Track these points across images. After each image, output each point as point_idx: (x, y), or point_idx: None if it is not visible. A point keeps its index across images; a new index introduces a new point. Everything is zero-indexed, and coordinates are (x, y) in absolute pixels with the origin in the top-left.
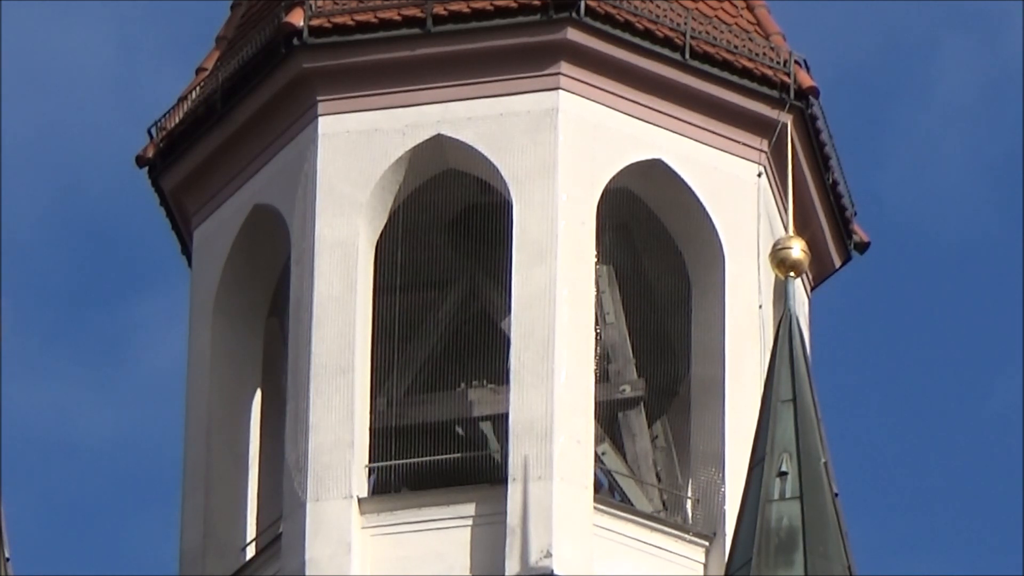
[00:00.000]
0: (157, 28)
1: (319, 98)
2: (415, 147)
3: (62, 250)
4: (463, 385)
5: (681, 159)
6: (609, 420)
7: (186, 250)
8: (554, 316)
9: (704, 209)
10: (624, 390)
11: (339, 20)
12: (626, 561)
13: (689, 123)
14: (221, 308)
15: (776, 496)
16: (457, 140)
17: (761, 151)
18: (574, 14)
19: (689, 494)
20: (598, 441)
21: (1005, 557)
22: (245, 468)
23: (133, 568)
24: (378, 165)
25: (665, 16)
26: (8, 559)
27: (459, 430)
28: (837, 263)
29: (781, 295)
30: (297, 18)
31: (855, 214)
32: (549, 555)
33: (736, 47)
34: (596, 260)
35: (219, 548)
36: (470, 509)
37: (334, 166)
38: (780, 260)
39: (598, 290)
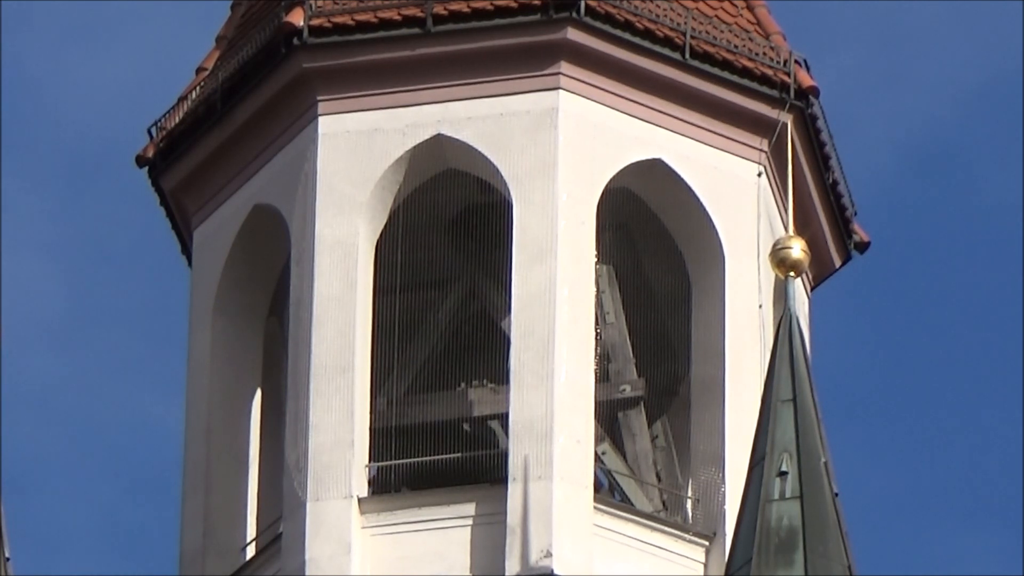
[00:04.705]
0: (157, 28)
1: (319, 98)
2: (415, 147)
3: (62, 255)
4: (463, 385)
5: (681, 159)
6: (609, 420)
7: (186, 250)
8: (554, 316)
9: (704, 209)
10: (624, 390)
11: (339, 20)
12: (626, 561)
13: (689, 123)
14: (221, 308)
15: (776, 496)
16: (457, 140)
17: (761, 151)
18: (574, 14)
19: (689, 494)
20: (598, 441)
21: (1005, 557)
22: (245, 468)
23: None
24: (378, 165)
25: (665, 16)
26: (8, 559)
27: (466, 427)
28: (837, 263)
29: (781, 295)
30: (297, 18)
31: (855, 214)
32: (549, 555)
33: (736, 47)
34: (596, 260)
35: (219, 548)
36: (470, 509)
37: (334, 166)
38: (780, 260)
39: (598, 290)
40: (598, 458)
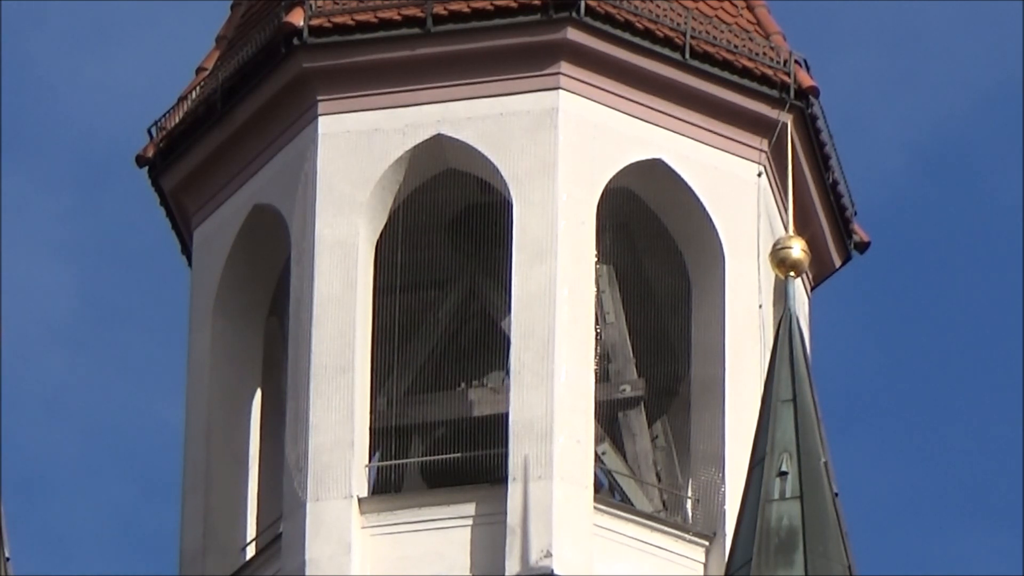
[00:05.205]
0: (157, 28)
1: (319, 98)
2: (415, 147)
3: (64, 255)
4: (463, 385)
5: (681, 159)
6: (609, 420)
7: (186, 250)
8: (554, 316)
9: (704, 209)
10: (624, 390)
11: (339, 20)
12: (626, 561)
13: (689, 123)
14: (221, 308)
15: (776, 496)
16: (457, 140)
17: (761, 151)
18: (574, 14)
19: (689, 494)
20: (598, 441)
21: (1005, 557)
22: (245, 468)
23: None
24: (378, 165)
25: (665, 16)
26: (8, 559)
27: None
28: (837, 263)
29: (781, 295)
30: (297, 18)
31: (855, 214)
32: (549, 555)
33: (736, 47)
34: (596, 260)
35: (219, 548)
36: (470, 509)
37: (334, 166)
38: (780, 260)
39: (598, 290)
40: (598, 458)
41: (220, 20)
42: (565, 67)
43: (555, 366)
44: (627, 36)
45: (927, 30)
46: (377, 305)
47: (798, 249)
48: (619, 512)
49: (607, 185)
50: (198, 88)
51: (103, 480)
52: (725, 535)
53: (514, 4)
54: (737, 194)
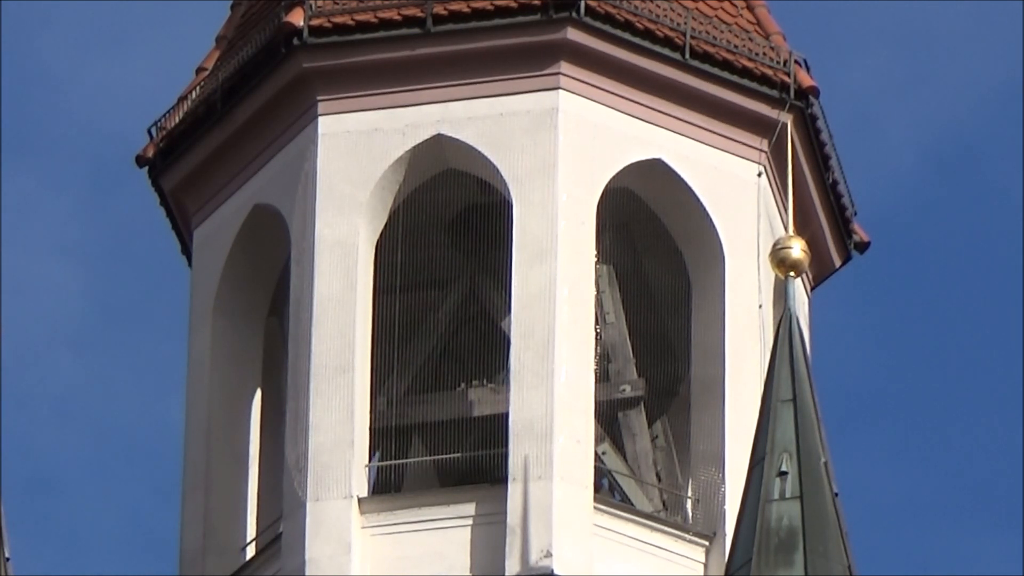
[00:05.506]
0: (157, 28)
1: (319, 98)
2: (415, 147)
3: (65, 256)
4: (463, 385)
5: (681, 159)
6: (609, 420)
7: (186, 250)
8: (554, 316)
9: (704, 209)
10: (624, 390)
11: (339, 20)
12: (626, 561)
13: (689, 123)
14: (221, 308)
15: (776, 496)
16: (457, 140)
17: (761, 151)
18: (574, 14)
19: (689, 494)
20: (598, 441)
21: (1005, 557)
22: (245, 468)
23: None
24: (378, 165)
25: (665, 16)
26: (8, 559)
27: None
28: (837, 263)
29: (781, 295)
30: (297, 18)
31: (855, 214)
32: (549, 555)
33: (736, 47)
34: (596, 260)
35: (219, 548)
36: (470, 509)
37: (334, 166)
38: (780, 260)
39: (598, 290)
40: (598, 458)
41: (220, 20)
42: (565, 67)
43: (555, 366)
44: (627, 36)
45: (928, 30)
46: (377, 305)
47: (798, 249)
48: (619, 512)
49: (607, 185)
50: (198, 88)
51: (104, 480)
52: (725, 535)
53: (514, 4)
54: (737, 194)
